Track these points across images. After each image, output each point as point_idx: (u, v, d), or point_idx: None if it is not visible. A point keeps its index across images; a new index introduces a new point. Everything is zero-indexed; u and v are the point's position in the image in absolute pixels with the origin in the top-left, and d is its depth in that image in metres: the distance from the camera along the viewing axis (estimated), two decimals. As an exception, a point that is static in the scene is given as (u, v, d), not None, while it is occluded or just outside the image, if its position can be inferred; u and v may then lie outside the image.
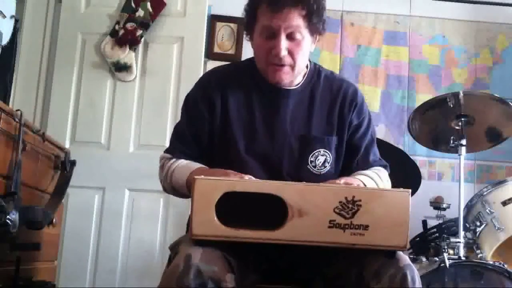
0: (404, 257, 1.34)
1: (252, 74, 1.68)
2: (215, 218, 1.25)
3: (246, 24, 1.66)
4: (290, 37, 1.56)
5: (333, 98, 1.68)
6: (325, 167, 1.63)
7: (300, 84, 1.68)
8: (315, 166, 1.62)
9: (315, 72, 1.71)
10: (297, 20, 1.55)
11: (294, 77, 1.63)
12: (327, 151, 1.63)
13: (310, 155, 1.62)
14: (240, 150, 1.61)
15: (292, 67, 1.59)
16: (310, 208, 1.27)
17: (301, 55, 1.59)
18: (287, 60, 1.57)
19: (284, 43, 1.55)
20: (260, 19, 1.58)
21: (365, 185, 1.56)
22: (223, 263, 1.29)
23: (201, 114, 1.65)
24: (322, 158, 1.63)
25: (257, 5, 1.59)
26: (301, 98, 1.66)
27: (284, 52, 1.56)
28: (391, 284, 1.28)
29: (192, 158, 1.65)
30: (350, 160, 1.69)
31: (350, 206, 1.27)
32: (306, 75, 1.69)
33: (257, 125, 1.63)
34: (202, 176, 1.30)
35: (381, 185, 1.64)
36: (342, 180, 1.48)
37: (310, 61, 1.72)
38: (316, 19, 1.58)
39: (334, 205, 1.27)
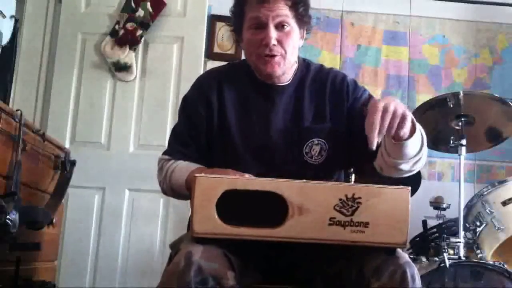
0: (404, 255, 1.34)
1: (247, 73, 1.70)
2: (216, 216, 1.25)
3: (235, 23, 1.68)
4: (279, 27, 1.59)
5: (322, 87, 1.68)
6: (322, 155, 1.62)
7: (291, 79, 1.69)
8: (311, 157, 1.62)
9: (304, 65, 1.73)
10: (284, 10, 1.58)
11: (285, 67, 1.64)
12: (321, 139, 1.63)
13: (304, 146, 1.62)
14: (237, 148, 1.62)
15: (283, 57, 1.60)
16: (311, 205, 1.27)
17: (291, 45, 1.61)
18: (277, 50, 1.59)
19: (273, 33, 1.57)
20: (248, 13, 1.61)
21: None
22: (224, 260, 1.29)
23: (199, 113, 1.67)
24: (318, 148, 1.62)
25: (243, 1, 1.62)
26: (292, 92, 1.68)
27: (273, 42, 1.57)
28: (391, 282, 1.28)
29: (190, 159, 1.65)
30: None
31: (350, 203, 1.27)
32: (296, 71, 1.71)
33: (253, 122, 1.64)
34: (203, 174, 1.30)
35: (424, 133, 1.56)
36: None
37: (298, 57, 1.73)
38: (302, 9, 1.61)
39: (334, 202, 1.27)
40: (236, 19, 1.66)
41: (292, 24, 1.60)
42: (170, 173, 1.64)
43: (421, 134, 1.51)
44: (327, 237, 1.28)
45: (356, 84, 1.72)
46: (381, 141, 1.50)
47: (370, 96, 1.71)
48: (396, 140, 1.44)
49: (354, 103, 1.67)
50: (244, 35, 1.64)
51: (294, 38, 1.62)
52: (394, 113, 1.35)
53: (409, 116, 1.38)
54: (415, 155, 1.52)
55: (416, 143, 1.49)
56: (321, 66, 1.76)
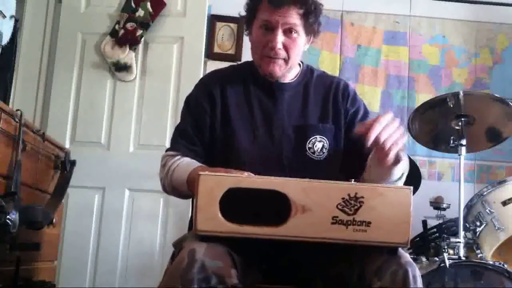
0: (405, 255, 1.34)
1: (250, 72, 1.75)
2: (219, 214, 1.26)
3: (246, 20, 1.73)
4: (287, 33, 1.64)
5: (326, 91, 1.75)
6: (323, 153, 1.67)
7: (295, 79, 1.75)
8: (314, 153, 1.66)
9: (308, 71, 1.80)
10: (294, 18, 1.63)
11: (286, 70, 1.70)
12: (323, 137, 1.68)
13: (307, 142, 1.67)
14: (240, 144, 1.65)
15: (286, 61, 1.67)
16: (313, 204, 1.27)
17: (295, 51, 1.67)
18: (282, 53, 1.65)
19: (280, 38, 1.63)
20: (260, 15, 1.66)
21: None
22: (227, 258, 1.29)
23: (203, 109, 1.70)
24: (320, 144, 1.67)
25: (257, 3, 1.67)
26: (296, 91, 1.74)
27: (279, 46, 1.63)
28: (392, 281, 1.28)
29: (195, 154, 1.68)
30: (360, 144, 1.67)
31: (353, 202, 1.28)
32: (299, 73, 1.77)
33: (256, 118, 1.68)
34: (207, 172, 1.31)
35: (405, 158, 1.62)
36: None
37: (302, 62, 1.79)
38: (312, 19, 1.66)
39: (337, 201, 1.28)
40: (248, 14, 1.72)
41: (300, 32, 1.65)
42: (172, 171, 1.65)
43: (406, 164, 1.60)
44: (329, 236, 1.28)
45: (355, 95, 1.78)
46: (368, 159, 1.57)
47: (366, 112, 1.76)
48: (382, 165, 1.49)
49: (352, 116, 1.72)
50: (254, 32, 1.69)
51: (300, 44, 1.67)
52: (397, 127, 1.48)
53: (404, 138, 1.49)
54: (395, 181, 1.59)
55: (399, 172, 1.57)
56: (324, 72, 1.84)
